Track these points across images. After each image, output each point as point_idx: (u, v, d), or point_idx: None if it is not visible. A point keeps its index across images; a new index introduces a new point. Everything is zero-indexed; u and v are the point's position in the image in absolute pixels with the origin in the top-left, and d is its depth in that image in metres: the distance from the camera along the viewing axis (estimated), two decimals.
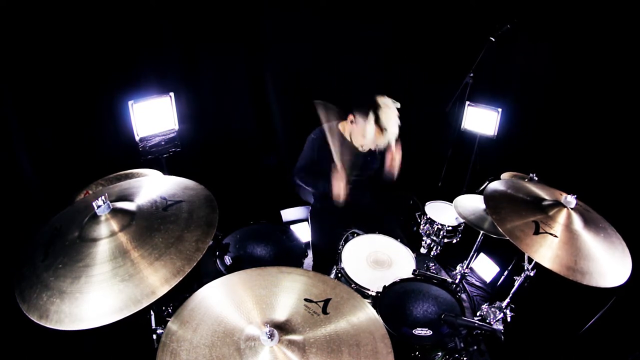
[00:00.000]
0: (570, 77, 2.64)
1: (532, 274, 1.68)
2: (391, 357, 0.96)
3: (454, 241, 2.42)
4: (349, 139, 2.14)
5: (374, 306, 1.40)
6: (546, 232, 1.37)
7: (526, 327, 2.14)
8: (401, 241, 1.96)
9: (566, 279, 1.25)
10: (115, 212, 1.11)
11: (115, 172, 1.84)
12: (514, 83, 3.01)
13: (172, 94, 2.42)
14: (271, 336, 0.92)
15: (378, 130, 1.95)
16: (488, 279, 2.76)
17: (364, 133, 1.99)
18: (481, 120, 2.96)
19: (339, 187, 2.00)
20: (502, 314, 1.80)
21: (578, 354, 2.11)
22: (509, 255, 2.51)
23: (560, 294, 2.16)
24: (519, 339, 2.05)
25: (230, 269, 1.64)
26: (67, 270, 0.99)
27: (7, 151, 2.04)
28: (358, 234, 1.99)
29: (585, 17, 2.47)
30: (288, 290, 1.13)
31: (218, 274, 1.60)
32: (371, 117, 1.93)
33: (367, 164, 2.19)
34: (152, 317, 1.46)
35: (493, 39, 2.68)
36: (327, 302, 1.10)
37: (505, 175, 2.29)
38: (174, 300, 1.37)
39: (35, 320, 0.92)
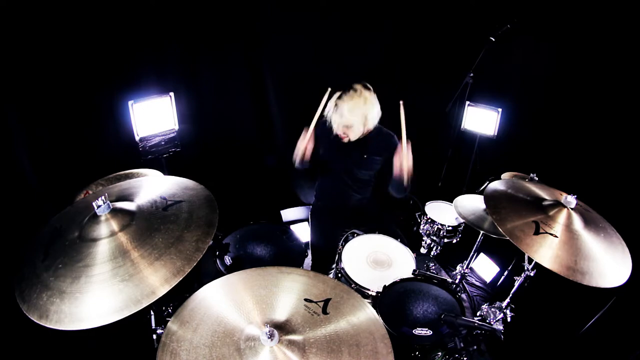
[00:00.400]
0: (570, 76, 2.64)
1: (532, 274, 1.68)
2: (391, 357, 0.96)
3: (454, 241, 2.42)
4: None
5: (374, 306, 1.40)
6: (546, 232, 1.37)
7: (526, 327, 2.13)
8: (401, 241, 1.96)
9: (566, 279, 1.25)
10: (115, 212, 1.11)
11: (115, 172, 1.84)
12: (514, 83, 3.01)
13: (172, 94, 2.43)
14: (271, 336, 0.92)
15: (334, 107, 1.97)
16: (488, 279, 2.76)
17: (332, 117, 2.00)
18: (481, 120, 2.96)
19: (301, 145, 2.04)
20: (502, 314, 1.80)
21: (578, 354, 2.11)
22: (509, 255, 2.51)
23: (560, 294, 2.16)
24: (519, 339, 2.05)
25: (230, 269, 1.64)
26: (67, 270, 0.99)
27: (7, 151, 2.04)
28: (358, 234, 1.99)
29: (586, 16, 2.47)
30: (288, 290, 1.13)
31: (218, 274, 1.60)
32: (336, 94, 1.97)
33: (364, 162, 2.17)
34: (152, 317, 1.47)
35: (493, 39, 2.68)
36: (327, 302, 1.10)
37: (505, 175, 2.29)
38: (174, 300, 1.37)
39: (35, 320, 0.92)
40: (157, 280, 0.98)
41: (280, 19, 2.84)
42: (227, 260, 1.69)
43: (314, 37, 2.95)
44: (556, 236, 1.36)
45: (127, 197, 1.23)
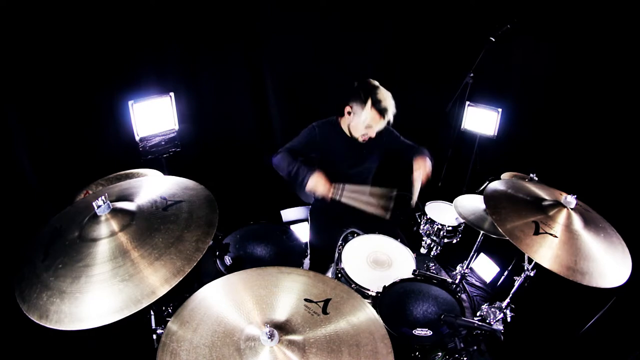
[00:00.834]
0: (570, 76, 2.64)
1: (532, 274, 1.68)
2: (391, 357, 0.96)
3: (454, 241, 2.42)
4: (348, 133, 2.11)
5: (374, 306, 1.40)
6: (546, 233, 1.36)
7: (526, 327, 2.13)
8: (401, 241, 1.95)
9: (566, 279, 1.25)
10: (115, 212, 1.11)
11: (115, 172, 1.84)
12: (514, 83, 3.01)
13: (172, 94, 2.43)
14: (271, 336, 0.92)
15: (377, 113, 1.91)
16: (488, 279, 2.76)
17: (364, 120, 1.93)
18: (481, 120, 2.96)
19: (320, 184, 1.83)
20: (502, 314, 1.80)
21: (578, 354, 2.11)
22: (509, 255, 2.51)
23: (560, 294, 2.16)
24: (519, 339, 2.05)
25: (230, 269, 1.64)
26: (67, 270, 0.99)
27: (7, 151, 2.04)
28: (358, 234, 1.99)
29: (586, 16, 2.47)
30: (288, 290, 1.13)
31: (218, 274, 1.60)
32: (369, 102, 1.90)
33: (366, 160, 2.18)
34: (152, 317, 1.47)
35: (493, 39, 2.68)
36: (327, 302, 1.10)
37: (505, 175, 2.29)
38: (174, 300, 1.37)
39: (35, 320, 0.92)
40: (157, 280, 0.98)
41: (280, 19, 2.84)
42: (227, 260, 1.69)
43: (314, 37, 2.95)
44: (556, 236, 1.36)
45: (127, 197, 1.23)
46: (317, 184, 1.83)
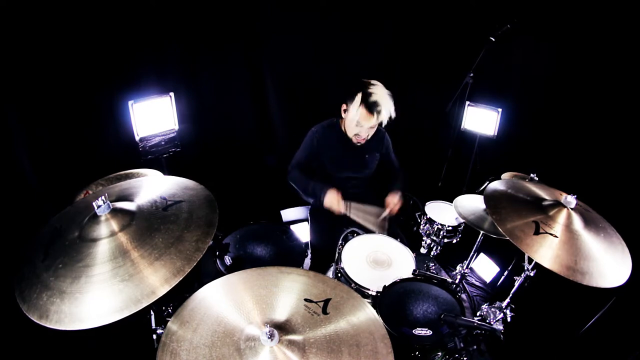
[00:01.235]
0: (570, 76, 2.64)
1: (532, 274, 1.68)
2: (391, 357, 0.96)
3: (454, 241, 2.42)
4: (346, 135, 2.12)
5: (373, 306, 1.40)
6: (546, 232, 1.37)
7: (526, 327, 2.13)
8: (401, 241, 1.96)
9: (566, 279, 1.25)
10: (115, 212, 1.11)
11: (115, 172, 1.84)
12: (514, 83, 3.01)
13: (172, 94, 2.43)
14: (271, 336, 0.92)
15: (366, 111, 1.85)
16: (488, 279, 2.76)
17: (352, 117, 1.89)
18: (481, 120, 2.96)
19: (334, 202, 1.93)
20: (502, 314, 1.80)
21: (578, 354, 2.11)
22: (509, 255, 2.51)
23: (560, 294, 2.16)
24: (519, 339, 2.05)
25: (230, 269, 1.64)
26: (67, 270, 0.99)
27: (7, 151, 2.04)
28: (358, 234, 1.99)
29: (586, 16, 2.47)
30: (288, 290, 1.13)
31: (218, 274, 1.60)
32: (358, 97, 1.85)
33: (366, 162, 2.18)
34: (152, 317, 1.46)
35: (493, 39, 2.68)
36: (327, 302, 1.10)
37: (505, 175, 2.29)
38: (174, 300, 1.37)
39: (35, 320, 0.92)
40: (157, 280, 0.98)
41: (280, 19, 2.84)
42: (227, 260, 1.69)
43: (314, 37, 2.95)
44: (556, 236, 1.36)
45: (127, 197, 1.23)
46: (331, 201, 1.93)
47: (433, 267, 2.20)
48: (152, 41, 2.47)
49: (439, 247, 2.44)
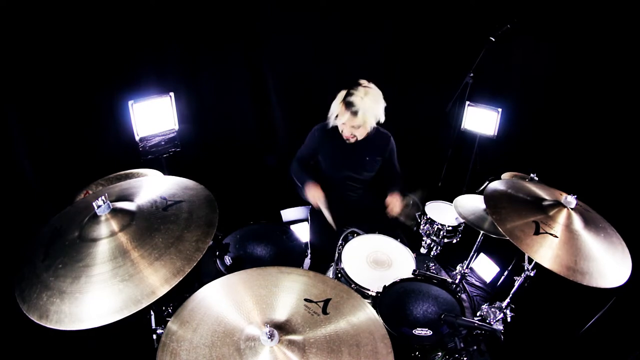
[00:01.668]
0: (570, 76, 2.64)
1: (532, 274, 1.68)
2: (391, 357, 0.96)
3: (454, 241, 2.42)
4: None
5: (373, 306, 1.40)
6: (546, 232, 1.37)
7: (526, 327, 2.13)
8: (401, 241, 1.95)
9: (566, 279, 1.25)
10: (115, 212, 1.11)
11: (115, 172, 1.84)
12: (514, 83, 3.01)
13: (172, 94, 2.43)
14: (271, 336, 0.92)
15: (344, 108, 1.86)
16: (488, 279, 2.76)
17: (334, 113, 1.92)
18: (481, 120, 2.96)
19: (314, 197, 2.01)
20: (502, 314, 1.80)
21: (578, 354, 2.11)
22: (509, 255, 2.51)
23: (560, 294, 2.16)
24: (519, 339, 2.05)
25: (230, 269, 1.64)
26: (67, 270, 0.99)
27: (7, 151, 2.04)
28: (358, 234, 1.99)
29: (586, 16, 2.47)
30: (288, 290, 1.13)
31: (218, 274, 1.60)
32: (342, 94, 1.88)
33: (364, 164, 2.17)
34: (152, 317, 1.47)
35: (493, 39, 2.68)
36: (327, 302, 1.10)
37: (505, 175, 2.29)
38: (174, 300, 1.37)
39: (35, 320, 0.92)
40: (157, 280, 0.98)
41: (280, 19, 2.84)
42: (227, 260, 1.69)
43: (314, 37, 2.95)
44: (556, 236, 1.36)
45: (127, 197, 1.23)
46: (311, 195, 2.02)
47: (433, 267, 2.20)
48: (152, 41, 2.47)
49: (439, 247, 2.44)
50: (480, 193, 1.73)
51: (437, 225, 2.37)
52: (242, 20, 2.76)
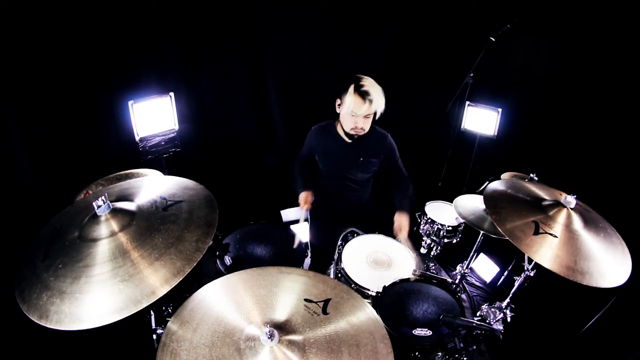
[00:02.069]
0: (570, 76, 2.64)
1: (532, 274, 1.68)
2: (391, 357, 0.96)
3: (454, 241, 2.42)
4: (343, 135, 2.10)
5: (373, 306, 1.40)
6: (546, 232, 1.36)
7: (526, 327, 2.13)
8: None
9: (566, 279, 1.25)
10: (115, 212, 1.11)
11: (115, 172, 1.84)
12: (514, 83, 3.01)
13: (172, 94, 2.43)
14: (271, 336, 0.92)
15: (359, 98, 1.87)
16: (488, 279, 2.76)
17: (347, 106, 1.91)
18: (481, 120, 2.96)
19: (301, 201, 2.07)
20: (502, 314, 1.80)
21: (578, 354, 2.11)
22: (509, 255, 2.51)
23: (560, 294, 2.16)
24: (519, 339, 2.05)
25: (230, 269, 1.64)
26: (67, 270, 0.99)
27: (7, 151, 2.04)
28: (358, 234, 1.99)
29: (586, 16, 2.47)
30: (288, 290, 1.13)
31: (218, 274, 1.60)
32: (351, 87, 1.89)
33: (359, 165, 2.16)
34: (152, 317, 1.47)
35: (493, 39, 2.68)
36: (327, 302, 1.10)
37: (505, 175, 2.29)
38: (174, 300, 1.37)
39: (35, 321, 0.92)
40: (157, 281, 0.98)
41: (280, 19, 2.84)
42: (227, 260, 1.69)
43: (314, 37, 2.95)
44: (556, 236, 1.35)
45: (127, 197, 1.23)
46: (300, 199, 2.08)
47: (433, 267, 2.20)
48: (152, 41, 2.47)
49: (439, 247, 2.45)
50: (480, 193, 1.73)
51: (437, 225, 2.38)
52: (242, 20, 2.76)
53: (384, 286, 1.56)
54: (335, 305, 1.09)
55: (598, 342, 2.05)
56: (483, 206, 1.88)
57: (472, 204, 2.15)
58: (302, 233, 2.05)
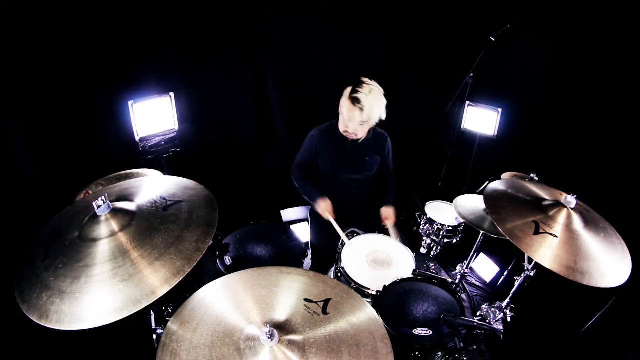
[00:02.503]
0: (570, 76, 2.64)
1: (532, 274, 1.68)
2: (391, 357, 0.96)
3: (454, 241, 2.42)
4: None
5: (373, 306, 1.40)
6: (546, 232, 1.36)
7: (526, 327, 2.13)
8: (401, 241, 1.95)
9: (566, 279, 1.25)
10: (115, 212, 1.11)
11: (115, 172, 1.84)
12: (514, 83, 3.01)
13: (172, 94, 2.43)
14: (271, 336, 0.92)
15: (350, 104, 1.88)
16: (488, 279, 2.76)
17: (342, 111, 1.93)
18: (481, 120, 2.96)
19: (324, 212, 2.07)
20: (502, 314, 1.80)
21: (578, 354, 2.11)
22: (509, 255, 2.51)
23: (560, 294, 2.16)
24: (519, 339, 2.05)
25: (230, 269, 1.64)
26: (67, 270, 0.99)
27: (7, 151, 2.04)
28: (358, 234, 1.99)
29: (586, 16, 2.47)
30: (288, 290, 1.13)
31: (218, 274, 1.60)
32: (347, 90, 1.90)
33: (365, 164, 2.17)
34: (152, 317, 1.46)
35: (493, 39, 2.68)
36: (327, 302, 1.10)
37: (505, 175, 2.29)
38: (174, 300, 1.37)
39: (35, 321, 0.92)
40: (157, 281, 0.98)
41: (280, 19, 2.84)
42: (227, 260, 1.69)
43: (314, 37, 2.96)
44: (556, 236, 1.35)
45: (127, 197, 1.23)
46: (322, 209, 2.07)
47: (433, 267, 2.20)
48: (152, 41, 2.47)
49: (439, 247, 2.44)
50: (480, 193, 1.73)
51: (437, 225, 2.37)
52: (242, 20, 2.76)
53: (384, 286, 1.56)
54: (335, 305, 1.09)
55: (598, 342, 2.05)
56: (483, 206, 1.89)
57: (472, 204, 2.15)
58: (302, 233, 2.06)
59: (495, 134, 2.89)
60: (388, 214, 2.13)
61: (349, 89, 1.91)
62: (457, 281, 2.34)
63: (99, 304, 0.93)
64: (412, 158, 3.38)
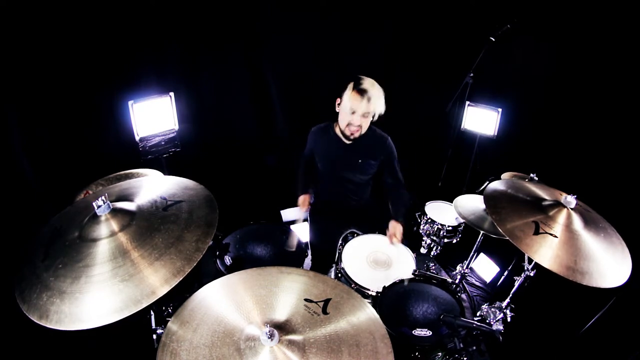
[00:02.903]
0: (570, 76, 2.64)
1: (532, 274, 1.68)
2: (391, 357, 0.96)
3: (454, 241, 2.42)
4: (341, 136, 2.10)
5: (373, 306, 1.40)
6: (546, 232, 1.36)
7: (526, 327, 2.13)
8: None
9: (566, 279, 1.25)
10: (115, 212, 1.11)
11: (115, 172, 1.84)
12: (514, 83, 3.01)
13: (172, 94, 2.43)
14: (271, 336, 0.92)
15: (358, 95, 1.87)
16: (488, 279, 2.76)
17: (345, 104, 1.92)
18: (481, 120, 2.96)
19: (299, 204, 2.13)
20: (502, 314, 1.80)
21: (578, 354, 2.11)
22: (509, 255, 2.51)
23: (560, 294, 2.16)
24: (519, 339, 2.05)
25: (230, 269, 1.64)
26: (67, 270, 0.99)
27: (7, 151, 2.04)
28: (357, 234, 1.99)
29: (586, 16, 2.47)
30: (288, 290, 1.13)
31: (218, 274, 1.60)
32: (350, 85, 1.91)
33: (357, 166, 2.16)
34: (152, 317, 1.46)
35: (493, 39, 2.68)
36: (327, 302, 1.10)
37: (505, 175, 2.29)
38: (174, 300, 1.37)
39: (35, 321, 0.92)
40: (157, 281, 0.98)
41: (280, 19, 2.84)
42: (227, 260, 1.69)
43: (314, 37, 2.96)
44: (556, 236, 1.35)
45: (127, 197, 1.23)
46: (299, 202, 2.14)
47: (433, 267, 2.20)
48: (152, 41, 2.47)
49: (439, 247, 2.44)
50: (480, 193, 1.73)
51: (437, 225, 2.38)
52: (242, 20, 2.76)
53: (384, 286, 1.56)
54: (336, 305, 1.09)
55: (598, 342, 2.05)
56: (483, 206, 1.89)
57: (472, 204, 2.15)
58: (302, 233, 2.06)
59: (495, 134, 2.89)
60: (395, 230, 1.92)
61: (351, 84, 1.92)
62: (457, 281, 2.34)
63: (99, 304, 0.93)
64: (412, 158, 3.38)
